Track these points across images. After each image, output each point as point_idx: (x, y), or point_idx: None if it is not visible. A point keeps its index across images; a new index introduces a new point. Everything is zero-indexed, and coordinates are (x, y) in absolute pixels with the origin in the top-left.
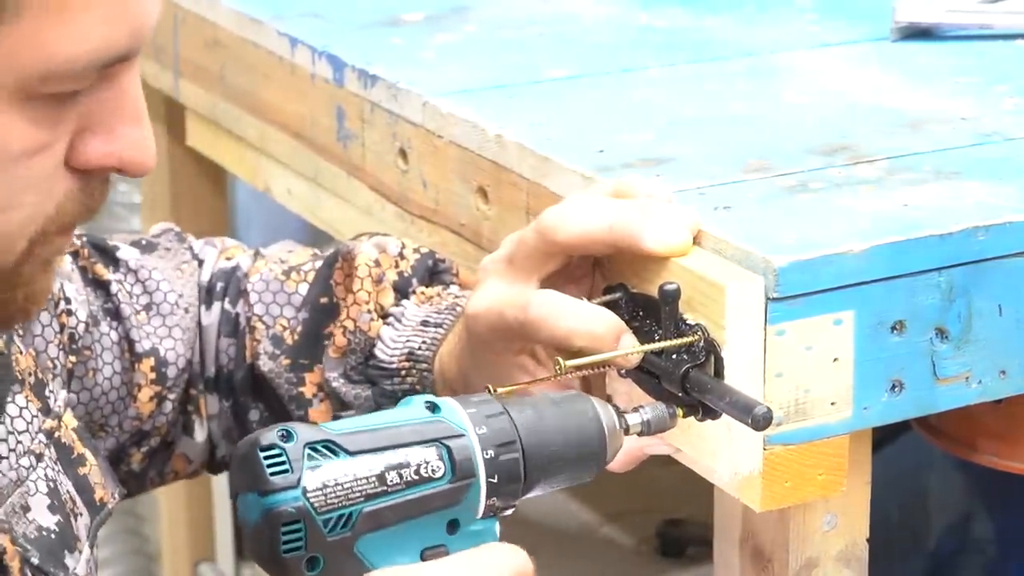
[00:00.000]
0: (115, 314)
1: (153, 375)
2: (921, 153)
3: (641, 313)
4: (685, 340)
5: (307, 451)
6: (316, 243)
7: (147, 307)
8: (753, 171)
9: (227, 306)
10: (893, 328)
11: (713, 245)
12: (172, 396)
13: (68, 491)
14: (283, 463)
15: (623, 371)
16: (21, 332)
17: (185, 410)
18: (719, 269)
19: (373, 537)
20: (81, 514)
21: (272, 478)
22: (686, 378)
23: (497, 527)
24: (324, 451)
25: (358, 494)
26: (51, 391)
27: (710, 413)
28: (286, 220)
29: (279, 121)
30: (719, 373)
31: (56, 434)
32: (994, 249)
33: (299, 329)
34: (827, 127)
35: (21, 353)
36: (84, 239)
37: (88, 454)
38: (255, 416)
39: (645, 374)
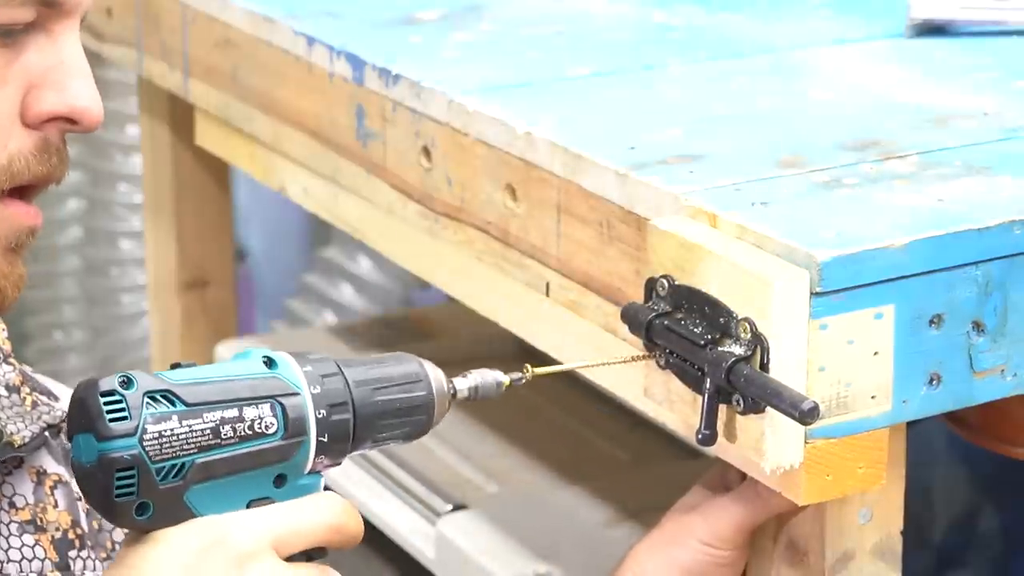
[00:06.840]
0: None
1: None
2: (950, 148)
3: (684, 304)
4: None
5: (146, 399)
6: (315, 242)
7: None
8: (787, 167)
9: None
10: (931, 322)
11: (754, 240)
12: None
13: None
14: (122, 410)
15: (662, 363)
16: (82, 500)
17: None
18: (764, 264)
19: (203, 487)
20: None
21: (110, 424)
22: (732, 371)
23: (322, 482)
24: (163, 400)
25: (192, 446)
26: (80, 556)
27: (754, 407)
28: (285, 220)
29: (295, 120)
30: (764, 367)
31: None
32: None
33: None
34: (855, 123)
35: (55, 507)
36: None
37: None
38: None
39: (689, 366)
